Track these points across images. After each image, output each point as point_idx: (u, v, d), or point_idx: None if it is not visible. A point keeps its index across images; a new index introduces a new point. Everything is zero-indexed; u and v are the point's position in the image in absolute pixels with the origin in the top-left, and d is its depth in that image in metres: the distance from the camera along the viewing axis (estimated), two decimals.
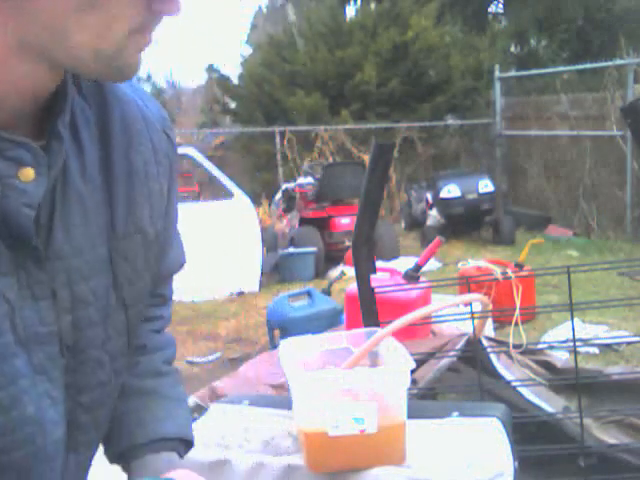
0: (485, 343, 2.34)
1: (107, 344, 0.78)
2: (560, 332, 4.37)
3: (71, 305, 0.73)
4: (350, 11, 13.87)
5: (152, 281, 0.85)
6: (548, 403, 2.18)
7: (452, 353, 2.31)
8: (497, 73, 9.88)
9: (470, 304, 2.07)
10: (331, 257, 7.37)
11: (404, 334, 2.24)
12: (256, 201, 8.42)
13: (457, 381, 2.44)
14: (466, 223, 8.54)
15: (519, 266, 4.34)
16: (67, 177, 0.72)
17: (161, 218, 0.84)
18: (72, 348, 0.74)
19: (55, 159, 0.69)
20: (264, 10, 23.46)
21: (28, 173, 0.67)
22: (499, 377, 2.25)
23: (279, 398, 1.66)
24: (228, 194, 6.91)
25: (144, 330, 0.93)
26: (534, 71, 10.73)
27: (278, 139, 9.94)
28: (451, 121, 10.81)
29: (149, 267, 0.82)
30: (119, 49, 0.64)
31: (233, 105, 13.46)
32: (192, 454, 1.50)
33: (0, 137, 0.65)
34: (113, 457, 0.92)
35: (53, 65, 0.65)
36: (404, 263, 5.63)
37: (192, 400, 2.49)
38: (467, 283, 2.38)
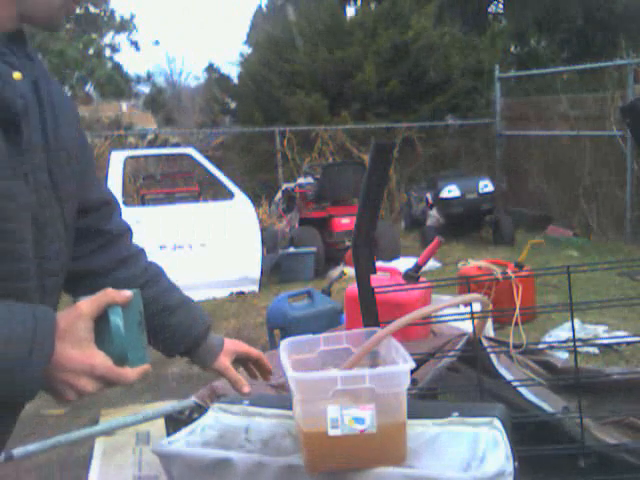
0: (485, 343, 2.34)
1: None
2: (560, 332, 4.37)
3: (51, 184, 1.02)
4: (350, 11, 13.89)
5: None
6: (548, 403, 2.17)
7: (452, 353, 2.31)
8: (497, 73, 9.88)
9: (470, 304, 2.07)
10: (331, 257, 7.37)
11: (404, 334, 2.24)
12: (256, 201, 8.42)
13: (457, 381, 2.44)
14: (466, 223, 8.54)
15: (519, 266, 4.35)
16: (37, 86, 1.02)
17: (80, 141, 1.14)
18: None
19: (32, 68, 1.01)
20: (264, 10, 23.47)
21: (18, 75, 0.97)
22: (499, 377, 2.25)
23: (279, 398, 1.66)
24: (228, 194, 6.91)
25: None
26: (534, 71, 10.73)
27: (278, 139, 9.94)
28: (451, 121, 10.81)
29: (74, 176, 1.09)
30: (60, 6, 1.01)
31: (233, 105, 13.46)
32: (192, 454, 1.50)
33: (3, 47, 0.95)
34: (174, 354, 1.36)
35: (22, 11, 0.98)
36: (404, 263, 5.63)
37: (192, 400, 2.50)
38: (467, 283, 2.39)
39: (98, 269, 1.22)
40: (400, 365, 1.37)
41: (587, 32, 13.25)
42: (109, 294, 0.97)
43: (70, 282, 1.14)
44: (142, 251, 1.33)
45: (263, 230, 7.44)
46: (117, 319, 0.97)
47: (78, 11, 15.63)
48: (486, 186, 8.40)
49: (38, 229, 0.99)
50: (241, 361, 1.44)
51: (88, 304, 0.96)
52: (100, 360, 0.94)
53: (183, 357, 1.38)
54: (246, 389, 1.24)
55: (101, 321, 0.96)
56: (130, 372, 0.97)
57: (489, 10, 15.15)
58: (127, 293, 0.98)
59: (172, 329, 1.30)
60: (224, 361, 1.34)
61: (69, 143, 1.07)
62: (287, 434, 1.54)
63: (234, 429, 1.58)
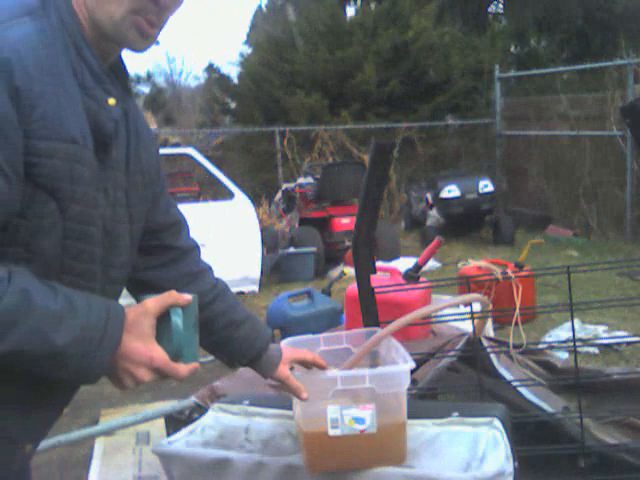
0: (485, 343, 2.34)
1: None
2: (560, 332, 4.38)
3: (126, 203, 1.16)
4: (350, 11, 13.89)
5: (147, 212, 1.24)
6: (548, 403, 2.17)
7: (452, 353, 2.31)
8: (497, 73, 9.88)
9: (470, 304, 2.07)
10: (331, 257, 7.37)
11: (404, 334, 2.24)
12: (256, 201, 8.42)
13: (457, 381, 2.44)
14: (466, 223, 8.54)
15: (519, 266, 4.35)
16: (127, 114, 1.16)
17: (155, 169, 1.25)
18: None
19: (126, 99, 1.14)
20: (264, 10, 23.47)
21: (112, 101, 1.08)
22: (499, 377, 2.25)
23: (279, 398, 1.66)
24: (228, 194, 6.91)
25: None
26: (534, 71, 10.72)
27: (278, 139, 9.93)
28: (451, 121, 10.80)
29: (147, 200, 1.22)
30: (119, 19, 1.05)
31: (233, 105, 13.46)
32: (192, 454, 1.50)
33: (104, 75, 1.07)
34: (238, 365, 1.45)
35: (97, 29, 1.07)
36: (404, 263, 5.63)
37: (192, 400, 2.50)
38: (467, 283, 2.38)
39: (168, 282, 1.29)
40: (400, 365, 1.37)
41: (587, 32, 13.24)
42: (173, 296, 1.09)
43: (141, 290, 1.21)
44: (210, 268, 1.41)
45: (263, 230, 7.44)
46: (178, 319, 1.08)
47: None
48: (486, 186, 8.40)
49: (110, 240, 1.12)
50: (299, 364, 1.49)
51: (154, 303, 1.07)
52: (159, 354, 1.05)
53: (244, 367, 1.47)
54: (305, 395, 1.29)
55: (162, 319, 1.07)
56: (183, 368, 1.07)
57: (489, 10, 15.14)
58: (188, 296, 1.10)
59: (238, 342, 1.39)
60: (284, 370, 1.39)
61: (146, 168, 1.20)
62: (287, 434, 1.54)
63: (234, 429, 1.58)
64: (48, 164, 0.99)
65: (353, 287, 2.80)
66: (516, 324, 2.14)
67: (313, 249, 7.02)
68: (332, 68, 11.00)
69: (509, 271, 2.61)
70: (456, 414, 1.49)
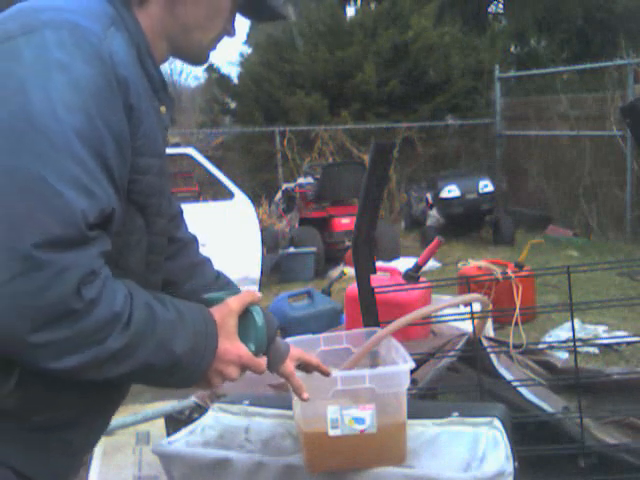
0: (485, 343, 2.34)
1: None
2: (560, 332, 4.37)
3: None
4: (350, 11, 13.88)
5: None
6: (548, 403, 2.17)
7: (452, 353, 2.31)
8: (497, 73, 9.87)
9: (470, 304, 2.07)
10: (331, 257, 7.37)
11: (404, 334, 2.24)
12: (256, 201, 8.41)
13: (457, 381, 2.44)
14: (466, 223, 8.53)
15: (519, 266, 4.35)
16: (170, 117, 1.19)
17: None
18: None
19: (172, 107, 1.16)
20: None
21: (163, 109, 1.13)
22: (499, 377, 2.25)
23: (279, 398, 1.66)
24: (228, 194, 6.91)
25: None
26: (534, 71, 10.72)
27: (278, 139, 9.93)
28: (451, 121, 10.80)
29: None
30: (206, 46, 1.15)
31: (233, 105, 13.45)
32: (192, 454, 1.50)
33: (161, 85, 1.11)
34: None
35: (176, 49, 1.14)
36: (404, 263, 5.63)
37: (192, 400, 2.50)
38: (467, 283, 2.38)
39: (173, 273, 1.29)
40: (400, 365, 1.37)
41: (587, 32, 13.23)
42: (252, 294, 1.13)
43: None
44: (209, 260, 1.42)
45: (263, 230, 7.43)
46: (259, 316, 1.13)
47: None
48: (486, 186, 8.40)
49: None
50: (301, 367, 1.46)
51: (237, 303, 1.11)
52: (245, 351, 1.09)
53: None
54: (306, 395, 1.27)
55: (241, 317, 1.11)
56: (263, 361, 1.13)
57: (489, 10, 15.13)
58: (259, 293, 1.15)
59: None
60: (290, 366, 1.36)
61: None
62: (287, 434, 1.54)
63: (234, 429, 1.58)
64: (144, 180, 1.02)
65: (353, 287, 2.80)
66: (516, 324, 2.14)
67: (313, 249, 7.02)
68: (332, 68, 10.99)
69: (509, 271, 2.61)
70: (456, 414, 1.49)
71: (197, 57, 1.17)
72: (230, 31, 1.17)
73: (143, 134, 1.00)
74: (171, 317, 0.99)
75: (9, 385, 0.93)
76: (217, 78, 13.03)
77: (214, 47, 1.17)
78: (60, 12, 0.96)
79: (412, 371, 1.37)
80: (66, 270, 0.86)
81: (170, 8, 1.09)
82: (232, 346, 1.07)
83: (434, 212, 8.58)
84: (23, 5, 1.00)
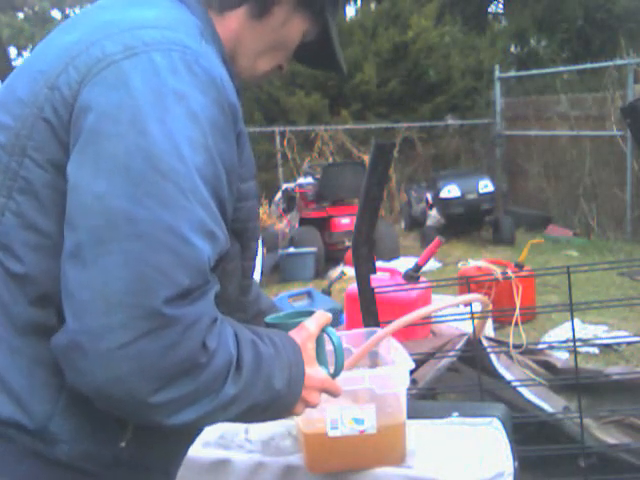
0: (485, 343, 2.34)
1: None
2: (560, 332, 4.37)
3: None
4: (350, 11, 13.87)
5: None
6: (548, 403, 2.17)
7: (452, 353, 2.31)
8: (497, 73, 9.87)
9: (470, 304, 2.07)
10: (331, 257, 7.36)
11: (404, 334, 2.24)
12: None
13: (457, 381, 2.44)
14: (466, 223, 8.53)
15: (519, 266, 4.34)
16: None
17: None
18: None
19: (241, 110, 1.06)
20: None
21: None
22: (499, 377, 2.25)
23: None
24: None
25: None
26: (534, 71, 10.72)
27: (278, 139, 9.93)
28: (451, 121, 10.80)
29: None
30: (259, 76, 1.12)
31: None
32: (192, 454, 1.50)
33: (237, 90, 1.00)
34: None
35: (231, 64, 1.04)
36: (404, 263, 5.63)
37: None
38: (467, 283, 2.39)
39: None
40: (400, 365, 1.37)
41: (587, 32, 13.24)
42: (326, 315, 1.05)
43: None
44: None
45: (263, 230, 7.43)
46: (336, 338, 1.06)
47: (78, 11, 15.62)
48: (486, 186, 8.39)
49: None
50: None
51: (314, 326, 1.02)
52: (325, 376, 1.03)
53: None
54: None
55: (317, 339, 1.05)
56: (340, 383, 1.06)
57: (489, 10, 15.14)
58: (330, 314, 1.07)
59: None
60: None
61: None
62: (287, 434, 1.54)
63: (234, 429, 1.58)
64: (246, 206, 0.97)
65: (353, 287, 2.80)
66: (516, 324, 2.14)
67: (313, 249, 7.02)
68: None
69: (509, 271, 2.61)
70: (456, 414, 1.49)
71: (246, 80, 1.11)
72: (283, 68, 1.13)
73: (246, 159, 0.96)
74: (271, 352, 0.92)
75: (127, 436, 0.90)
76: None
77: (261, 80, 1.13)
78: (160, 30, 0.87)
79: (412, 371, 1.36)
80: (194, 324, 0.79)
81: (246, 26, 1.03)
82: (314, 372, 1.00)
83: (434, 212, 8.58)
84: (108, 20, 0.91)
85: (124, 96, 0.81)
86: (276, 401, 0.93)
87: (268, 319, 1.09)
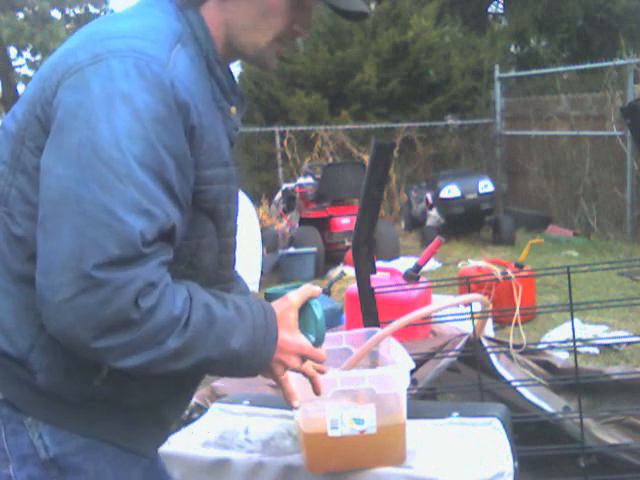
0: (485, 343, 2.34)
1: None
2: (560, 332, 4.37)
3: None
4: None
5: None
6: (548, 403, 2.17)
7: (452, 353, 2.31)
8: (497, 73, 9.87)
9: (470, 304, 2.07)
10: (331, 257, 7.36)
11: (404, 334, 2.24)
12: (256, 201, 8.41)
13: (457, 381, 2.44)
14: (466, 223, 8.52)
15: (519, 266, 4.34)
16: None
17: None
18: None
19: (243, 106, 1.21)
20: None
21: (233, 110, 1.17)
22: (499, 377, 2.25)
23: (279, 398, 1.66)
24: None
25: None
26: (534, 71, 10.71)
27: (278, 139, 9.93)
28: (451, 121, 10.80)
29: None
30: (264, 47, 1.14)
31: None
32: (192, 454, 1.50)
33: (230, 87, 1.15)
34: None
35: (234, 50, 1.15)
36: (404, 263, 5.63)
37: (192, 400, 2.49)
38: (467, 283, 2.39)
39: None
40: (400, 365, 1.37)
41: (587, 32, 13.23)
42: (311, 289, 1.20)
43: None
44: None
45: (263, 230, 7.43)
46: (319, 310, 1.19)
47: (78, 11, 15.63)
48: (486, 186, 8.39)
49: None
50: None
51: (297, 297, 1.18)
52: (306, 342, 1.17)
53: None
54: (297, 404, 1.28)
55: (301, 310, 1.18)
56: (323, 351, 1.20)
57: (489, 10, 15.13)
58: (319, 288, 1.22)
59: None
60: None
61: None
62: (287, 434, 1.54)
63: (234, 429, 1.58)
64: (212, 190, 1.09)
65: (353, 287, 2.80)
66: (516, 324, 2.14)
67: (313, 249, 7.02)
68: (332, 68, 10.99)
69: (509, 271, 2.61)
70: (456, 414, 1.49)
71: (258, 59, 1.18)
72: (300, 32, 1.17)
73: (207, 148, 1.07)
74: (230, 314, 1.07)
75: (101, 376, 1.06)
76: None
77: (277, 49, 1.16)
78: (126, 39, 1.03)
79: (412, 371, 1.37)
80: (124, 286, 0.95)
81: (223, 8, 1.12)
82: (293, 337, 1.15)
83: (434, 212, 8.58)
84: (93, 31, 1.08)
85: (84, 97, 0.99)
86: (238, 358, 1.08)
87: (268, 290, 1.23)
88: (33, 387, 1.05)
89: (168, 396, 1.18)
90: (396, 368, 1.37)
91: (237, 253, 1.24)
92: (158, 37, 1.05)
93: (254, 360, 1.11)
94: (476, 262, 4.70)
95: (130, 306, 0.96)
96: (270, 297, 1.08)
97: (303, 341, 1.16)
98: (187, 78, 1.04)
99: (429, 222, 8.59)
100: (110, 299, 0.94)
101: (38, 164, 1.02)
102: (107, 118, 0.97)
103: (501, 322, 4.11)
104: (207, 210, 1.10)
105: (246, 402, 1.68)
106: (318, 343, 1.19)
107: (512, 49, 13.85)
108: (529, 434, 2.18)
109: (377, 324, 2.04)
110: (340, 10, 1.16)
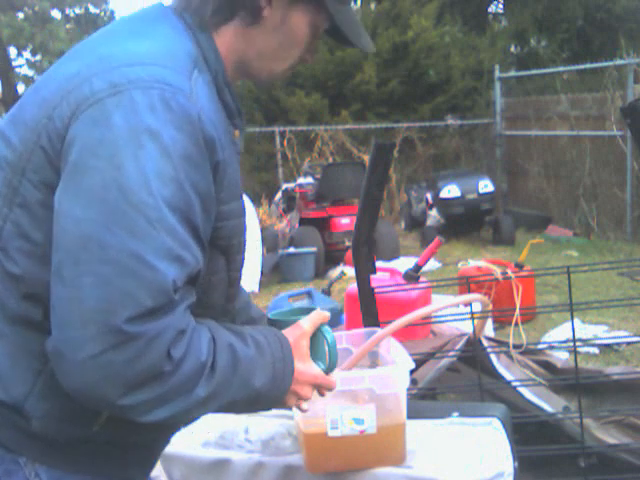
0: (485, 343, 2.34)
1: None
2: (560, 332, 4.37)
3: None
4: None
5: None
6: (548, 403, 2.17)
7: (452, 353, 2.31)
8: (497, 73, 9.87)
9: (470, 304, 2.07)
10: (331, 257, 7.36)
11: (404, 334, 2.24)
12: (256, 201, 8.41)
13: (457, 381, 2.44)
14: (466, 223, 8.53)
15: (519, 266, 4.34)
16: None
17: None
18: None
19: (243, 127, 1.15)
20: None
21: (237, 133, 1.10)
22: (499, 377, 2.25)
23: None
24: None
25: None
26: (534, 71, 10.71)
27: (278, 139, 9.93)
28: (451, 121, 10.79)
29: None
30: (279, 74, 1.14)
31: None
32: (192, 454, 1.50)
33: (237, 110, 1.09)
34: None
35: (245, 73, 1.13)
36: (404, 263, 5.63)
37: None
38: (467, 283, 2.38)
39: None
40: (400, 365, 1.37)
41: (587, 32, 13.23)
42: (322, 315, 1.14)
43: None
44: None
45: (263, 230, 7.43)
46: (330, 336, 1.13)
47: (78, 11, 15.63)
48: (486, 186, 8.39)
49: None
50: None
51: (309, 324, 1.11)
52: (318, 372, 1.12)
53: None
54: (306, 407, 1.25)
55: (312, 337, 1.12)
56: (334, 378, 1.15)
57: (489, 10, 15.13)
58: (328, 314, 1.15)
59: None
60: None
61: None
62: (287, 434, 1.54)
63: (234, 429, 1.58)
64: (228, 225, 1.05)
65: (353, 287, 2.80)
66: (516, 324, 2.14)
67: (313, 249, 7.02)
68: (332, 68, 10.99)
69: (509, 271, 2.61)
70: (456, 414, 1.49)
71: (266, 82, 1.17)
72: (308, 59, 1.16)
73: (228, 183, 1.02)
74: (251, 353, 1.01)
75: (101, 421, 1.00)
76: None
77: (286, 74, 1.16)
78: (146, 67, 0.95)
79: (412, 371, 1.37)
80: (156, 338, 0.89)
81: (245, 35, 1.08)
82: (306, 367, 1.10)
83: (434, 212, 8.58)
84: (106, 54, 0.99)
85: (105, 132, 0.90)
86: (258, 397, 1.03)
87: (271, 315, 1.17)
88: (26, 431, 0.99)
89: (165, 435, 1.15)
90: (396, 368, 1.37)
91: None
92: (177, 63, 0.98)
93: (272, 394, 1.05)
94: (476, 262, 4.70)
95: (163, 358, 0.89)
96: (274, 323, 1.04)
97: (316, 370, 1.11)
98: (210, 110, 0.99)
99: (429, 222, 8.59)
100: (142, 353, 0.87)
101: (42, 200, 0.95)
102: (134, 157, 0.89)
103: (501, 322, 4.11)
104: (221, 247, 1.05)
105: None
106: (330, 370, 1.14)
107: (512, 49, 13.85)
108: (529, 434, 2.18)
109: (377, 324, 2.04)
110: (348, 44, 1.16)
